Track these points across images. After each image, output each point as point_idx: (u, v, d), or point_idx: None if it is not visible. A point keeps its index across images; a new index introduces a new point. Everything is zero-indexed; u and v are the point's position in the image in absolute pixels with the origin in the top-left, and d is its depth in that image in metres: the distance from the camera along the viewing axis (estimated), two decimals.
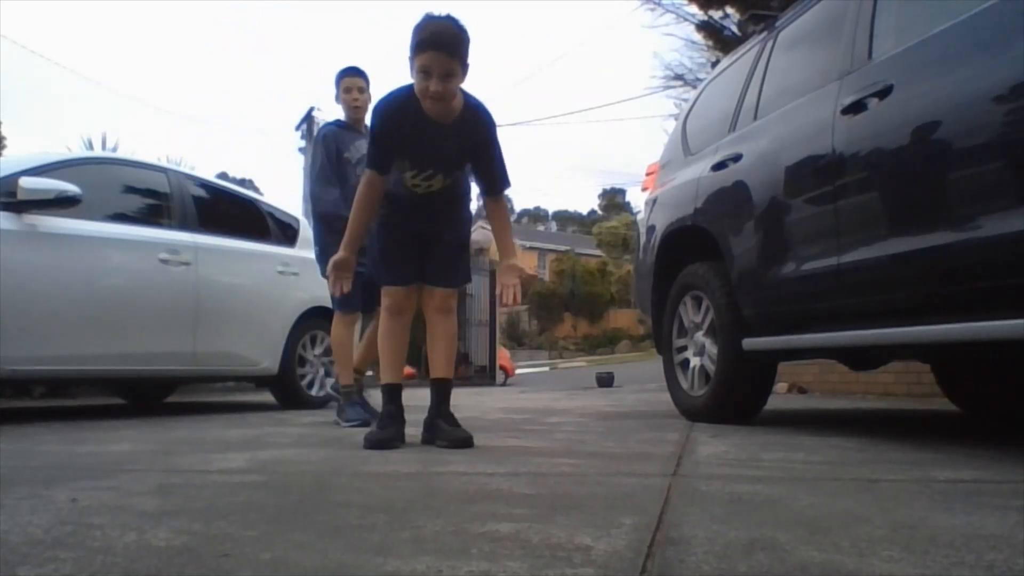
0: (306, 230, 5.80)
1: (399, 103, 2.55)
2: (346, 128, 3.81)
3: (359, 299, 3.75)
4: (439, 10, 2.47)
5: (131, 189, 4.60)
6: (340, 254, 2.68)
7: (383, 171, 2.63)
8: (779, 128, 3.18)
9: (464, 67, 2.48)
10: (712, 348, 3.53)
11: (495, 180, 2.70)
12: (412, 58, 2.45)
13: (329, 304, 5.42)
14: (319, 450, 2.58)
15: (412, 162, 2.62)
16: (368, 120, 3.60)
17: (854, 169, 2.66)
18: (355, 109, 3.79)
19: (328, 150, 3.74)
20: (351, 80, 3.79)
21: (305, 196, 20.16)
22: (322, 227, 3.76)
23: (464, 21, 2.47)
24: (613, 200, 55.80)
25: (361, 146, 3.62)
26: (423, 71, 2.42)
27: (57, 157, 4.36)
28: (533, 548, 1.15)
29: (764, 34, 3.69)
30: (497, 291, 2.62)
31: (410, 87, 2.53)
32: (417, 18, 2.47)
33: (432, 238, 2.72)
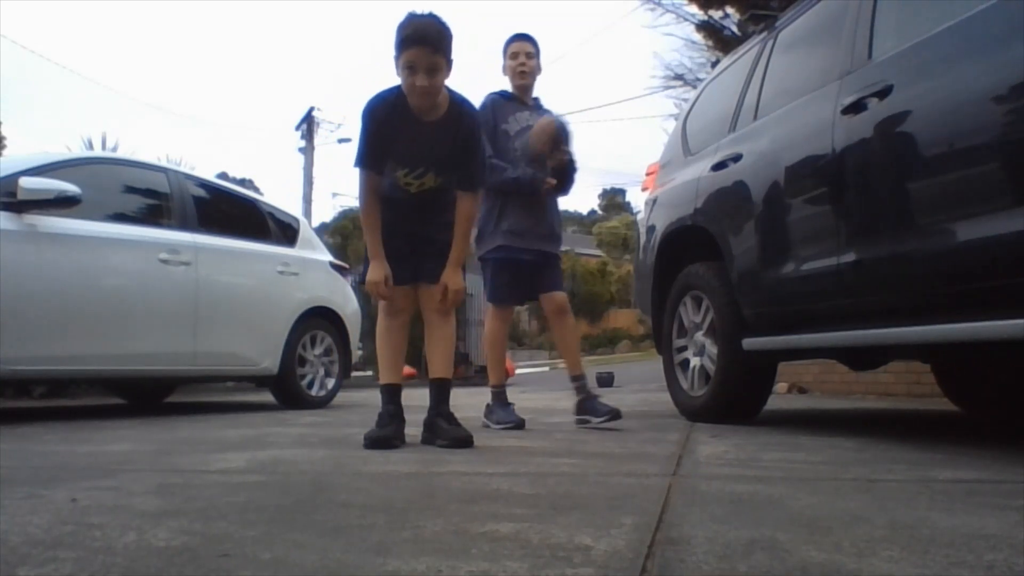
0: (306, 230, 5.81)
1: (387, 102, 2.60)
2: (509, 99, 3.57)
3: (511, 292, 3.53)
4: (421, 8, 2.53)
5: (131, 189, 4.60)
6: (373, 268, 2.66)
7: (378, 170, 2.66)
8: (779, 128, 3.18)
9: (448, 63, 2.53)
10: (712, 348, 3.53)
11: (472, 176, 2.74)
12: (397, 56, 2.51)
13: (329, 304, 5.50)
14: (319, 450, 2.58)
15: (403, 161, 2.65)
16: (516, 92, 3.51)
17: (854, 169, 2.66)
18: (521, 75, 3.53)
19: (488, 119, 3.45)
20: (519, 45, 3.56)
21: (306, 196, 20.20)
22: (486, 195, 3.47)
23: (447, 18, 2.53)
24: (613, 200, 55.72)
25: (522, 118, 3.48)
26: (408, 67, 2.48)
27: (57, 157, 4.36)
28: (533, 548, 1.15)
29: (764, 34, 3.69)
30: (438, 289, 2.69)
31: (397, 87, 2.59)
32: (402, 17, 2.53)
33: (427, 239, 2.73)
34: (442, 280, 2.70)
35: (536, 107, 3.60)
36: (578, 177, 3.58)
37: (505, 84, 3.62)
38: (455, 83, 2.62)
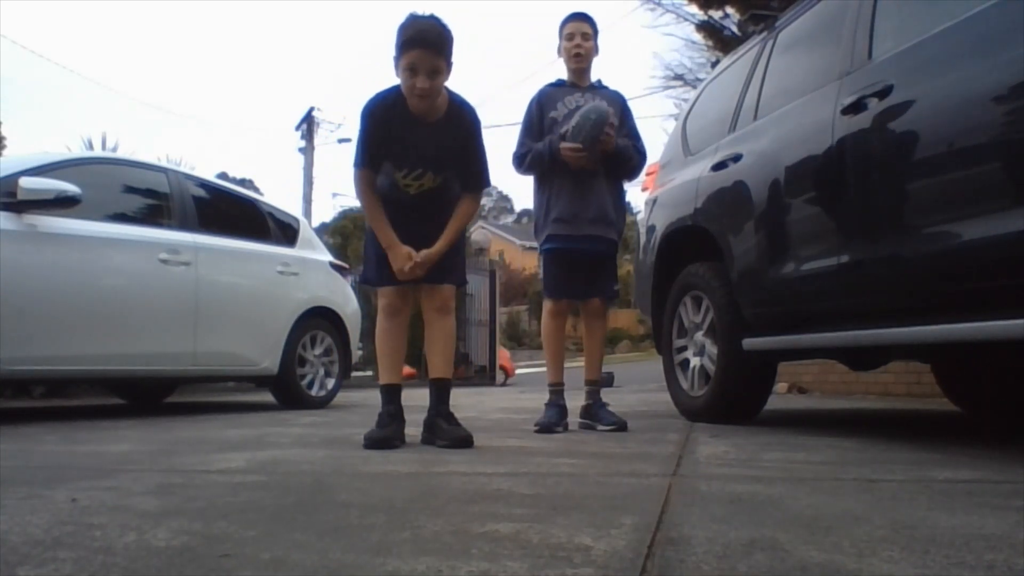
0: (306, 230, 5.80)
1: (386, 102, 2.61)
2: (561, 86, 3.45)
3: (562, 284, 3.38)
4: (422, 9, 2.54)
5: (131, 189, 4.59)
6: (394, 256, 2.62)
7: (375, 168, 2.67)
8: (779, 128, 3.18)
9: (449, 65, 2.54)
10: (712, 348, 3.53)
11: (474, 177, 2.75)
12: (398, 57, 2.51)
13: (329, 304, 5.50)
14: (319, 450, 2.58)
15: (401, 162, 2.66)
16: (566, 76, 3.39)
17: (854, 169, 2.66)
18: (576, 57, 3.38)
19: (531, 112, 3.41)
20: (575, 25, 3.39)
21: (306, 196, 20.22)
22: (538, 185, 3.44)
23: (448, 20, 2.54)
24: None
25: (571, 101, 3.34)
26: (409, 69, 2.48)
27: (57, 157, 4.35)
28: (533, 548, 1.15)
29: (764, 34, 3.69)
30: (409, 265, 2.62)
31: (396, 88, 2.60)
32: (403, 18, 2.53)
33: (427, 239, 2.72)
34: (423, 251, 2.63)
35: (591, 88, 3.42)
36: (636, 160, 3.42)
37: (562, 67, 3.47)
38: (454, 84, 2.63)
